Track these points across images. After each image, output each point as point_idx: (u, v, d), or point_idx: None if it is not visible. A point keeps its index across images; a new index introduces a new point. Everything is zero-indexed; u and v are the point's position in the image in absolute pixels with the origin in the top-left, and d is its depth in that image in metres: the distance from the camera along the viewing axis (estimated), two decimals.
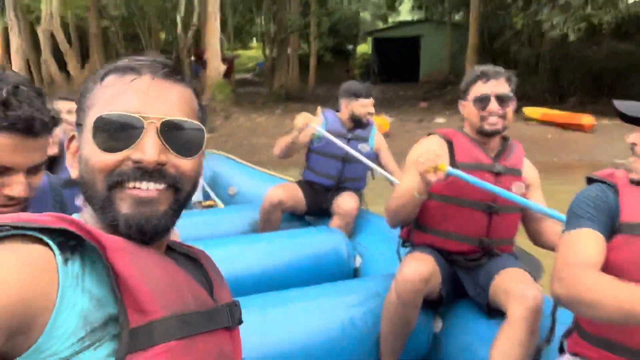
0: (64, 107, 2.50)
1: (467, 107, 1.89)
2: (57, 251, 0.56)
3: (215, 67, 12.66)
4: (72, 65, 11.76)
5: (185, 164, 0.67)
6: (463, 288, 1.94)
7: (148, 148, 0.62)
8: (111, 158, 0.63)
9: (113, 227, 0.63)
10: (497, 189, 1.74)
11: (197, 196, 3.65)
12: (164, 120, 0.64)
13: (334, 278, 2.42)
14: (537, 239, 1.99)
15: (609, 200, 1.22)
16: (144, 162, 0.62)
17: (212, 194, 4.00)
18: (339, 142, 2.73)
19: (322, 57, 18.60)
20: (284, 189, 2.88)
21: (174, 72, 0.68)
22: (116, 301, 0.58)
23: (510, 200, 1.76)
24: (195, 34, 15.58)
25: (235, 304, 0.76)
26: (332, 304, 1.93)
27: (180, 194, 0.67)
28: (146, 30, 19.43)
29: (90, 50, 17.78)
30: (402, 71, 21.81)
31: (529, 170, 1.97)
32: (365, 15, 23.66)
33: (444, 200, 1.86)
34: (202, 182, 3.80)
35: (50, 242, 0.56)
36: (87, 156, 0.65)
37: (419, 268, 1.74)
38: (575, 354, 1.31)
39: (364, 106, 2.85)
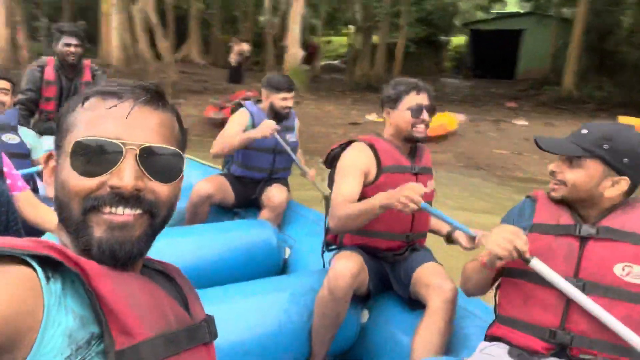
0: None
1: (397, 115, 2.04)
2: (39, 270, 0.58)
3: (294, 53, 12.87)
4: (162, 45, 12.61)
5: (162, 189, 0.68)
6: (389, 281, 2.10)
7: (126, 174, 0.64)
8: (88, 183, 0.64)
9: (86, 252, 0.65)
10: (448, 218, 1.84)
11: None
12: (143, 146, 0.66)
13: (264, 270, 2.52)
14: None
15: (523, 211, 1.57)
16: (121, 188, 0.63)
17: None
18: (284, 143, 2.84)
19: (408, 48, 18.04)
20: (213, 182, 2.89)
21: (155, 97, 0.70)
22: (99, 322, 0.60)
23: (441, 220, 1.87)
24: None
25: (211, 319, 0.80)
26: (269, 299, 2.00)
27: (155, 220, 0.69)
28: (242, 13, 20.25)
29: (189, 32, 18.97)
30: (498, 67, 20.59)
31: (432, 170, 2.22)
32: (466, 5, 22.50)
33: None
34: None
35: (32, 262, 0.58)
36: (64, 179, 0.66)
37: (349, 265, 1.88)
38: (491, 339, 1.55)
39: (283, 99, 2.90)
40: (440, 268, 1.99)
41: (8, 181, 1.89)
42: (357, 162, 1.99)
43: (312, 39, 20.36)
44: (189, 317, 0.73)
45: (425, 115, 2.00)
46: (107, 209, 0.64)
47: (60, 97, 3.37)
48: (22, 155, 2.34)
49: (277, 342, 1.90)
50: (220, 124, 10.11)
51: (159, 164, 0.67)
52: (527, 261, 1.36)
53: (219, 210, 3.01)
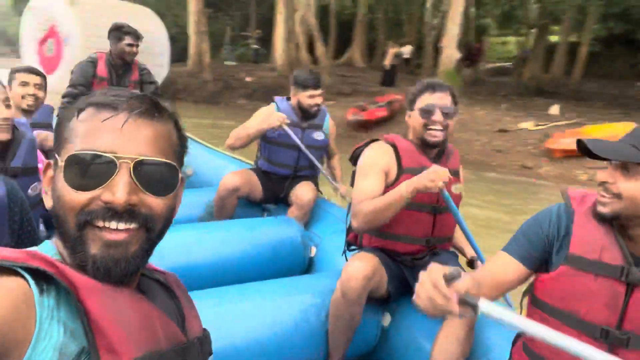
0: (32, 80, 2.48)
1: (412, 117, 1.99)
2: (32, 283, 0.58)
3: (449, 54, 12.27)
4: (320, 51, 13.25)
5: (157, 203, 0.67)
6: (410, 285, 2.04)
7: (119, 189, 0.63)
8: (81, 197, 0.64)
9: (82, 267, 0.65)
10: (460, 217, 1.91)
11: None
12: (137, 160, 0.65)
13: (290, 268, 2.53)
14: None
15: (558, 224, 1.30)
16: (114, 204, 0.63)
17: None
18: (298, 141, 2.85)
19: (593, 47, 15.58)
20: (240, 175, 2.90)
21: (151, 108, 0.69)
22: (87, 338, 0.60)
23: (459, 225, 1.94)
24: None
25: (205, 336, 0.79)
26: (286, 299, 1.99)
27: (151, 233, 0.68)
28: (408, 15, 20.03)
29: (354, 37, 19.51)
30: None
31: (461, 173, 2.10)
32: None
33: None
34: None
35: (26, 274, 0.58)
36: (59, 192, 0.66)
37: (362, 267, 1.85)
38: None
39: (310, 97, 2.87)
40: None
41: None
42: (377, 160, 1.96)
43: (483, 39, 19.10)
44: (182, 334, 0.72)
45: (437, 116, 1.90)
46: (101, 223, 0.64)
47: None
48: None
49: (293, 343, 1.89)
50: (359, 126, 10.22)
51: (154, 177, 0.66)
52: (472, 307, 0.99)
53: (248, 205, 3.03)
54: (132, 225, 0.65)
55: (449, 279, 0.99)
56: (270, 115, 2.81)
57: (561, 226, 1.29)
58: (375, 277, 1.88)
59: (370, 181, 1.92)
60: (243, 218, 2.86)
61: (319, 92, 2.88)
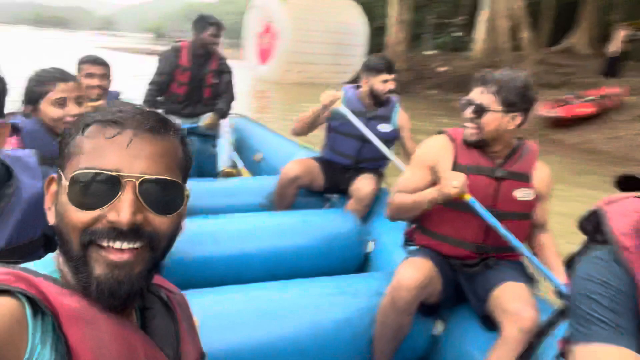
0: (97, 71, 2.51)
1: None
2: (26, 304, 0.58)
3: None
4: (523, 39, 11.86)
5: (162, 222, 0.67)
6: (464, 293, 1.94)
7: (124, 209, 0.63)
8: (86, 216, 0.63)
9: (85, 288, 0.65)
10: (502, 230, 1.76)
11: (223, 162, 3.52)
12: (142, 178, 0.65)
13: (345, 263, 2.47)
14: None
15: (626, 289, 0.88)
16: (119, 224, 0.63)
17: (239, 161, 3.90)
18: (359, 123, 2.70)
19: None
20: (301, 164, 2.87)
21: (158, 125, 0.68)
22: None
23: (503, 238, 1.78)
24: None
25: None
26: (330, 300, 1.95)
27: (156, 252, 0.68)
28: None
29: (578, 19, 16.72)
30: None
31: (540, 177, 1.89)
32: None
33: (443, 203, 1.89)
34: (229, 147, 3.65)
35: (20, 296, 0.58)
36: (63, 209, 0.65)
37: (415, 275, 1.76)
38: None
39: (384, 82, 2.76)
40: (524, 290, 1.73)
41: None
42: (426, 154, 1.93)
43: None
44: None
45: (466, 113, 1.79)
46: (105, 242, 0.64)
47: (191, 83, 3.58)
48: None
49: (333, 346, 1.84)
50: (554, 123, 8.78)
51: (159, 196, 0.66)
52: None
53: (310, 194, 2.98)
54: (137, 244, 0.65)
55: None
56: (323, 94, 2.73)
57: (626, 289, 0.88)
58: (428, 286, 1.78)
59: (412, 174, 1.93)
60: (304, 208, 2.85)
61: (392, 76, 2.78)
